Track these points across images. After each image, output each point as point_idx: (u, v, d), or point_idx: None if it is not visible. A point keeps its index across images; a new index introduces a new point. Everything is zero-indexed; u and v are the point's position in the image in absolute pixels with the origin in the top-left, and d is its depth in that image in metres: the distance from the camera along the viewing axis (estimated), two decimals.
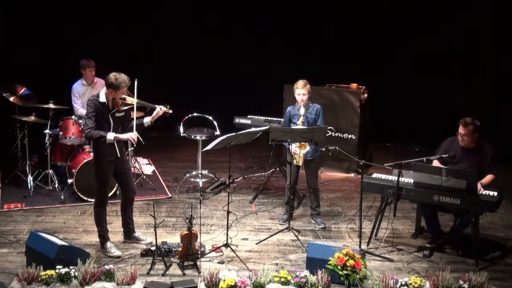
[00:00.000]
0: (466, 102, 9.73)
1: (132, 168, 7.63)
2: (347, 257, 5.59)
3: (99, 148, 6.20)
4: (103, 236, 6.42)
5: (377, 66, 10.07)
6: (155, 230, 6.19)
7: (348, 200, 7.98)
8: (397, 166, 6.35)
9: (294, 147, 6.88)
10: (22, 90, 8.21)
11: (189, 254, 6.13)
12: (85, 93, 8.21)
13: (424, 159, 6.39)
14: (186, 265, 6.11)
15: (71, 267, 5.61)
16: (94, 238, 6.65)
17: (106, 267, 5.71)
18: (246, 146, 7.35)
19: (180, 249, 6.19)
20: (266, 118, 8.51)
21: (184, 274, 5.98)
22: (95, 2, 9.99)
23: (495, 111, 9.85)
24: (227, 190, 7.01)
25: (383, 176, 6.68)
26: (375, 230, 6.81)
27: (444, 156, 6.60)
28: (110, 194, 7.12)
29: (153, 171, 9.01)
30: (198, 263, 6.14)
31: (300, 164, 6.95)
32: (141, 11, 10.27)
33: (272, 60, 10.26)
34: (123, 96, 6.15)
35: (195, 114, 8.45)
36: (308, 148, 6.89)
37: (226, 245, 6.44)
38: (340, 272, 5.56)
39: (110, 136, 6.08)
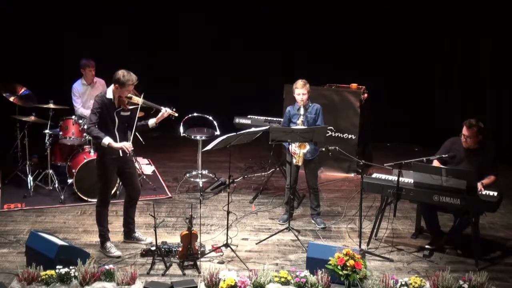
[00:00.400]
0: (466, 102, 9.74)
1: None
2: (347, 257, 5.59)
3: (102, 147, 6.21)
4: (104, 236, 6.42)
5: (377, 66, 10.07)
6: (155, 230, 6.19)
7: (348, 200, 7.98)
8: (397, 166, 6.35)
9: (293, 147, 6.88)
10: (22, 90, 8.20)
11: (189, 254, 6.13)
12: (85, 92, 8.22)
13: (424, 159, 6.39)
14: (186, 265, 6.11)
15: (71, 267, 5.60)
16: (94, 238, 6.65)
17: (106, 267, 5.70)
18: (246, 146, 7.35)
19: (180, 249, 6.18)
20: (266, 118, 8.51)
21: (184, 274, 5.98)
22: (95, 2, 9.99)
23: (495, 111, 9.85)
24: (227, 190, 7.01)
25: (383, 176, 6.68)
26: (375, 230, 6.81)
27: (444, 156, 6.60)
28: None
29: (153, 171, 9.01)
30: (198, 263, 6.14)
31: (300, 164, 6.95)
32: (141, 11, 10.27)
33: (272, 60, 10.25)
34: (129, 95, 6.16)
35: (195, 114, 8.45)
36: (308, 147, 6.89)
37: (226, 245, 6.43)
38: (340, 272, 5.55)
39: (106, 140, 6.07)
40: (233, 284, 5.52)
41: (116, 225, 6.89)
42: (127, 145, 6.16)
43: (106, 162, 6.24)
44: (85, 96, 8.23)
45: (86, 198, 7.68)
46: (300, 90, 6.88)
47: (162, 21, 10.40)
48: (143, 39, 10.35)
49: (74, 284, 5.55)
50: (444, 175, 6.16)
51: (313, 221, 7.32)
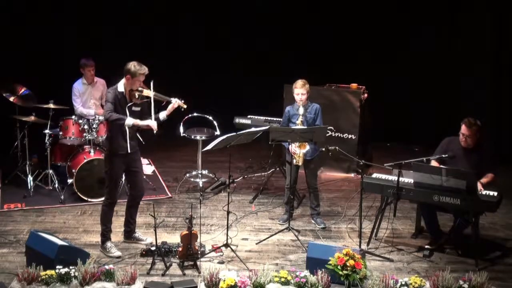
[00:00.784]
0: (466, 102, 9.74)
1: None
2: (347, 257, 5.59)
3: (111, 143, 6.20)
4: (105, 236, 6.43)
5: (377, 66, 10.07)
6: (155, 230, 6.19)
7: (348, 200, 7.98)
8: (397, 166, 6.35)
9: (293, 147, 6.88)
10: (22, 90, 8.20)
11: (189, 254, 6.13)
12: (85, 92, 8.22)
13: (424, 159, 6.39)
14: (186, 265, 6.11)
15: (71, 267, 5.60)
16: (94, 238, 6.66)
17: (106, 267, 5.70)
18: (246, 146, 7.34)
19: (180, 249, 6.18)
20: (266, 118, 8.51)
21: (184, 274, 5.98)
22: (95, 2, 9.98)
23: (495, 111, 9.84)
24: (227, 190, 7.01)
25: (383, 176, 6.68)
26: (375, 230, 6.81)
27: (443, 156, 6.60)
28: None
29: (153, 171, 9.01)
30: (198, 263, 6.14)
31: (300, 164, 6.95)
32: (140, 10, 10.27)
33: (272, 60, 10.24)
34: (141, 88, 6.14)
35: (195, 114, 8.45)
36: (307, 147, 6.89)
37: (226, 245, 6.43)
38: (340, 272, 5.56)
39: (129, 121, 6.06)
40: (233, 284, 5.51)
41: (116, 225, 6.88)
42: (153, 124, 6.12)
43: (115, 160, 6.23)
44: (85, 95, 8.22)
45: (86, 198, 7.68)
46: (300, 90, 6.88)
47: (162, 21, 10.40)
48: (143, 39, 10.35)
49: (74, 284, 5.55)
50: (444, 175, 6.16)
51: (313, 221, 7.31)
